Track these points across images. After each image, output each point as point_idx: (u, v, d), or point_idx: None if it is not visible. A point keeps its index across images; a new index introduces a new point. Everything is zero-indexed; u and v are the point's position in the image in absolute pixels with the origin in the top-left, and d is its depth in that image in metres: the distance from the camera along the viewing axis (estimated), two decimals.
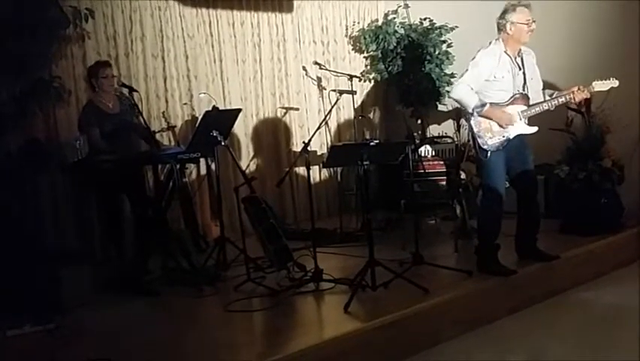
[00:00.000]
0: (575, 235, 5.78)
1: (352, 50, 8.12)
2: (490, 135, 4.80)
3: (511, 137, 4.82)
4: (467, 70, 4.78)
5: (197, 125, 5.47)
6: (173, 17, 6.66)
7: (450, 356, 4.09)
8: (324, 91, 7.68)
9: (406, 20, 7.90)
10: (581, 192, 5.90)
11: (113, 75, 5.51)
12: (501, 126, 4.80)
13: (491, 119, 4.78)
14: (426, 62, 7.61)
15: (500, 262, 4.91)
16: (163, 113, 6.45)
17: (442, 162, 6.35)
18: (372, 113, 8.18)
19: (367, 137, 7.40)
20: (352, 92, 6.91)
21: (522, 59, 4.86)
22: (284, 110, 7.50)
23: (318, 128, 6.24)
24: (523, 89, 4.86)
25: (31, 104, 5.26)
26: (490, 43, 4.84)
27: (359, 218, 6.60)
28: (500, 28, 4.80)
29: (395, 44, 7.76)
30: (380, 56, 7.90)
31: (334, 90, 6.95)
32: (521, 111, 4.83)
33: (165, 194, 5.63)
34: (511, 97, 4.82)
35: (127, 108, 5.43)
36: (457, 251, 5.64)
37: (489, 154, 4.82)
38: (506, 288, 4.77)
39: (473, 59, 4.79)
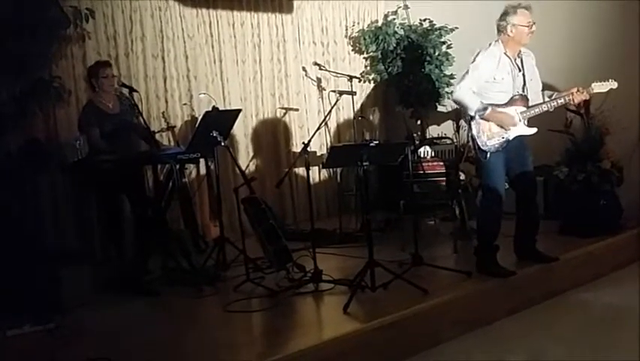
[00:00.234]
0: (574, 236, 5.78)
1: (352, 50, 8.13)
2: (490, 136, 4.80)
3: (510, 138, 4.82)
4: (467, 72, 4.78)
5: (196, 125, 5.47)
6: (173, 17, 6.67)
7: (449, 357, 4.09)
8: (323, 92, 7.68)
9: (406, 21, 7.91)
10: (580, 193, 5.91)
11: (113, 75, 5.50)
12: (501, 127, 4.81)
13: (492, 122, 4.78)
14: (425, 63, 7.62)
15: (499, 263, 4.91)
16: (163, 113, 6.46)
17: (441, 163, 6.35)
18: (371, 114, 8.18)
19: (367, 137, 7.39)
20: (352, 93, 6.91)
21: (522, 61, 4.86)
22: (284, 111, 7.51)
23: (318, 128, 6.24)
24: (523, 91, 4.86)
25: (31, 104, 5.27)
26: (489, 44, 4.84)
27: (358, 219, 6.60)
28: (500, 30, 4.80)
29: (395, 45, 7.77)
30: (380, 56, 7.91)
31: (334, 91, 6.94)
32: (521, 112, 4.83)
33: (165, 194, 5.64)
34: (511, 98, 4.82)
35: (127, 108, 5.43)
36: (456, 252, 5.65)
37: (488, 155, 4.82)
38: (505, 289, 4.77)
39: (473, 61, 4.80)
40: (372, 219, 5.27)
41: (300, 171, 7.35)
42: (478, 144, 4.83)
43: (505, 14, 4.78)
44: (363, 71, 8.11)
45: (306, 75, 7.63)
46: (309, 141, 5.36)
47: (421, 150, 6.39)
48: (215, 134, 5.14)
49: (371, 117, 8.16)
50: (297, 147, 7.42)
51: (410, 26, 7.84)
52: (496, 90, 4.80)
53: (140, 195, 5.47)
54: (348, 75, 7.05)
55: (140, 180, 5.54)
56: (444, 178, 6.30)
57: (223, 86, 7.05)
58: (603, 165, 5.86)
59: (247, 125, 7.24)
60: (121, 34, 6.32)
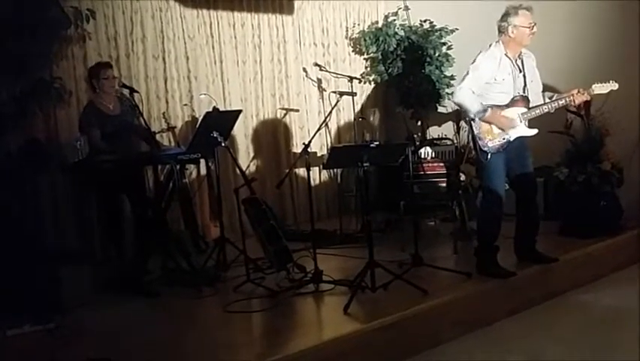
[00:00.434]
0: (574, 237, 5.78)
1: (352, 51, 8.13)
2: (491, 137, 4.81)
3: (511, 139, 4.82)
4: (468, 73, 4.78)
5: (197, 126, 5.47)
6: (173, 18, 6.67)
7: (449, 358, 4.09)
8: (324, 92, 7.68)
9: (406, 22, 7.91)
10: (580, 194, 5.91)
11: (114, 76, 5.50)
12: (501, 128, 4.81)
13: (493, 123, 4.78)
14: (426, 64, 7.62)
15: (499, 264, 4.91)
16: (163, 114, 6.45)
17: (441, 164, 6.36)
18: (372, 115, 8.17)
19: (367, 138, 7.39)
20: (352, 94, 6.91)
21: (522, 62, 4.87)
22: (284, 112, 7.51)
23: (318, 129, 6.25)
24: (524, 92, 4.87)
25: (32, 105, 5.27)
26: (490, 45, 4.84)
27: (359, 219, 6.60)
28: (502, 31, 4.80)
29: (395, 46, 7.78)
30: (380, 57, 7.91)
31: (334, 92, 6.94)
32: (521, 114, 4.83)
33: (165, 195, 5.64)
34: (512, 99, 4.83)
35: (127, 109, 5.43)
36: (456, 253, 5.65)
37: (489, 156, 4.82)
38: (505, 290, 4.78)
39: (474, 62, 4.80)
40: (372, 219, 5.26)
41: (301, 171, 7.35)
42: (479, 145, 4.83)
43: (506, 15, 4.79)
44: (363, 72, 8.11)
45: (306, 76, 7.64)
46: (310, 141, 5.37)
47: (422, 150, 6.40)
48: (215, 134, 5.14)
49: (371, 118, 8.15)
50: (297, 148, 7.42)
51: (410, 27, 7.84)
52: (497, 91, 4.81)
53: (141, 195, 5.48)
54: (348, 76, 7.07)
55: (140, 181, 5.55)
56: (444, 179, 6.31)
57: (223, 86, 7.06)
58: (603, 166, 5.86)
59: (247, 126, 7.24)
60: (122, 35, 6.33)
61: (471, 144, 4.99)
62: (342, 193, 7.17)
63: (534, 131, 4.89)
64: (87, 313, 4.54)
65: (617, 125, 5.91)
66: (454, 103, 5.07)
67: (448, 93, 7.53)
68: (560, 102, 4.88)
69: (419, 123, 7.62)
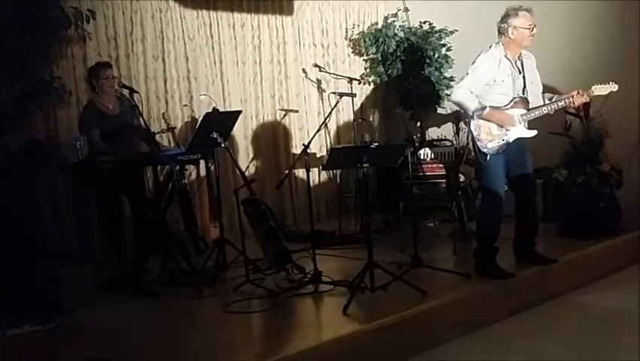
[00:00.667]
0: (574, 238, 5.79)
1: (352, 52, 8.13)
2: (490, 139, 4.81)
3: (510, 140, 4.83)
4: (467, 74, 4.79)
5: (197, 126, 5.48)
6: (173, 19, 6.67)
7: (449, 358, 4.09)
8: (323, 93, 7.68)
9: (406, 23, 7.92)
10: (579, 196, 5.91)
11: (114, 76, 5.51)
12: (501, 129, 4.81)
13: (491, 121, 4.79)
14: (425, 65, 7.63)
15: (499, 265, 4.91)
16: (163, 114, 6.45)
17: (441, 165, 6.36)
18: (371, 116, 8.19)
19: (367, 139, 7.39)
20: (352, 95, 6.92)
21: (522, 63, 4.87)
22: (283, 113, 7.52)
23: (318, 130, 6.25)
24: (523, 93, 4.87)
25: (32, 105, 5.27)
26: (490, 46, 4.85)
27: (358, 220, 6.60)
28: (501, 32, 4.81)
29: (395, 47, 7.78)
30: (380, 58, 7.91)
31: (334, 93, 6.95)
32: (521, 115, 4.84)
33: (165, 195, 5.63)
34: (511, 100, 4.83)
35: (127, 109, 5.44)
36: (455, 254, 5.66)
37: (489, 157, 4.83)
38: (504, 291, 4.78)
39: (473, 62, 4.81)
40: (371, 220, 5.27)
41: (300, 172, 7.35)
42: (478, 147, 4.83)
43: (506, 16, 4.79)
44: (363, 73, 8.11)
45: (306, 77, 7.64)
46: (309, 142, 5.38)
47: (421, 152, 6.40)
48: (215, 135, 5.14)
49: (371, 119, 8.17)
50: (296, 149, 7.43)
51: (410, 29, 7.85)
52: (497, 92, 4.81)
53: (140, 195, 5.48)
54: (348, 77, 7.07)
55: (140, 181, 5.55)
56: (443, 180, 6.31)
57: (223, 87, 7.06)
58: (602, 168, 5.87)
59: (247, 127, 7.24)
60: (121, 36, 6.33)
61: (470, 145, 4.99)
62: (341, 194, 7.17)
63: (533, 133, 4.90)
64: (87, 313, 4.54)
65: (616, 126, 5.91)
66: (453, 102, 5.07)
67: (447, 94, 7.52)
68: (560, 104, 4.89)
69: (418, 124, 7.62)
